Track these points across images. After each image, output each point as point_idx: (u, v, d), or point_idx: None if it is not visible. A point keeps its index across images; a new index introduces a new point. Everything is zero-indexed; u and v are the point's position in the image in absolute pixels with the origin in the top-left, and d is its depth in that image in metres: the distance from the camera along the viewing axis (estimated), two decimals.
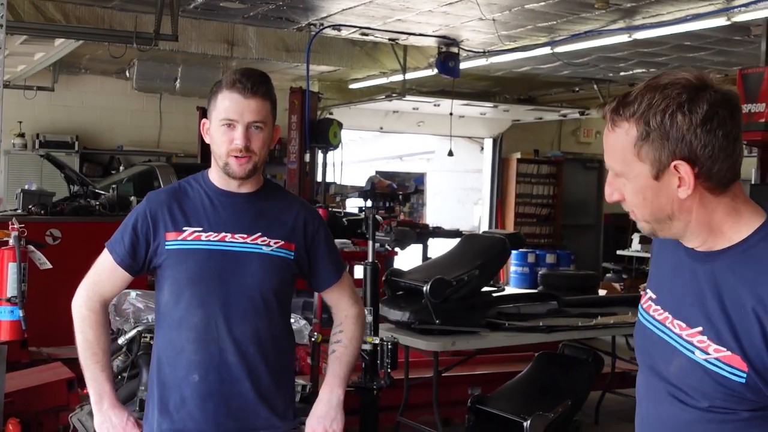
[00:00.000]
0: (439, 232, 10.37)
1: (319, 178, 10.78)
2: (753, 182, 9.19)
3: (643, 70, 12.33)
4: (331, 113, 13.30)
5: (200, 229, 2.64)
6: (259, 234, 2.67)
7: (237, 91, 2.55)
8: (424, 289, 5.70)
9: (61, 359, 5.72)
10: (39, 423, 5.11)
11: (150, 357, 4.28)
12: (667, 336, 1.89)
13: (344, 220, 9.78)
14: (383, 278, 6.10)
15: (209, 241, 2.63)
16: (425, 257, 9.98)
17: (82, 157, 13.33)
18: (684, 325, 1.85)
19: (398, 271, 6.29)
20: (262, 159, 2.64)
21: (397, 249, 10.17)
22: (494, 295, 6.40)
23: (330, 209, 10.26)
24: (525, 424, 5.79)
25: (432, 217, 20.36)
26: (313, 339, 5.13)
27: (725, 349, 1.76)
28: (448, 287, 5.75)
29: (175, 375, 2.63)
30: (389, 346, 5.10)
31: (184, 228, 2.64)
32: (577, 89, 14.43)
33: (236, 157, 2.58)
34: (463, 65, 11.21)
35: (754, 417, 1.79)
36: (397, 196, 5.28)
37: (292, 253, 2.71)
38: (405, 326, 5.85)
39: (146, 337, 4.35)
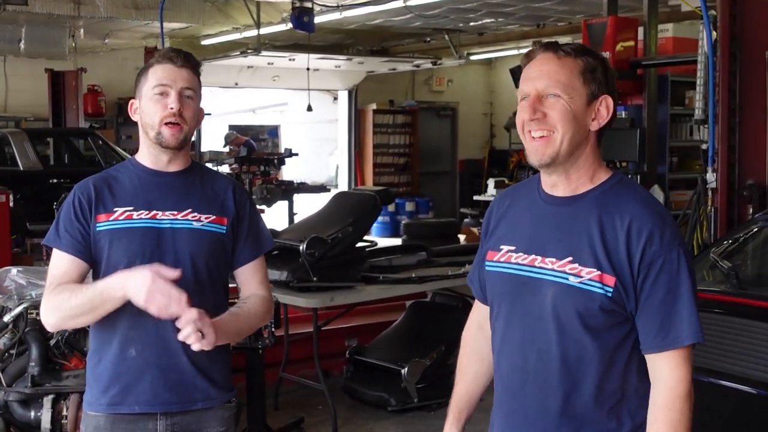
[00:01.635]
0: (304, 188, 10.52)
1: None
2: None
3: (492, 20, 12.67)
4: None
5: (131, 208, 2.67)
6: (190, 210, 2.69)
7: (168, 61, 2.65)
8: (301, 247, 5.84)
9: None
10: None
11: (38, 333, 4.33)
12: (538, 273, 2.18)
13: None
14: None
15: (141, 219, 2.66)
16: (292, 213, 10.12)
17: None
18: (555, 260, 2.16)
19: (273, 231, 6.39)
20: (191, 131, 2.69)
21: (263, 207, 10.27)
22: (368, 249, 6.61)
23: None
24: (403, 371, 6.06)
25: (288, 170, 20.36)
26: None
27: (595, 270, 2.09)
28: (323, 245, 5.91)
29: (112, 351, 2.66)
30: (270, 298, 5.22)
31: (115, 209, 2.66)
32: (428, 39, 14.70)
33: (169, 124, 2.63)
34: (317, 19, 11.22)
35: (621, 339, 2.12)
36: (272, 161, 5.34)
37: (224, 227, 2.73)
38: (284, 285, 5.98)
39: (32, 313, 4.35)
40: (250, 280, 2.83)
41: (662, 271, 2.07)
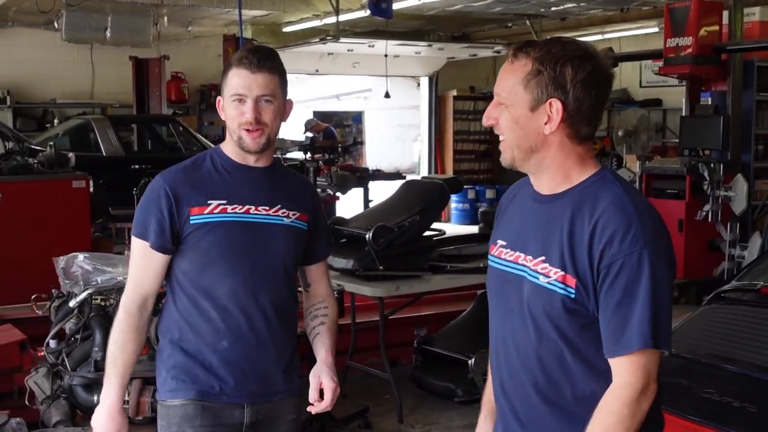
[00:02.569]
0: (379, 175, 10.49)
1: None
2: (683, 113, 9.42)
3: (574, 4, 12.44)
4: None
5: (224, 202, 2.71)
6: (280, 206, 2.76)
7: (244, 67, 2.64)
8: (367, 236, 5.83)
9: (10, 320, 5.75)
10: None
11: (102, 319, 4.39)
12: (519, 270, 2.17)
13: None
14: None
15: (235, 213, 2.70)
16: (366, 200, 10.11)
17: (15, 112, 13.08)
18: (531, 258, 2.15)
19: (341, 219, 6.41)
20: (274, 132, 2.73)
21: (338, 194, 10.30)
22: (435, 238, 6.56)
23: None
24: (470, 361, 6.00)
25: (371, 155, 20.39)
26: None
27: (561, 270, 2.07)
28: (390, 233, 5.89)
29: (201, 342, 2.71)
30: (335, 294, 5.21)
31: (209, 201, 2.70)
32: (509, 25, 14.51)
33: (248, 130, 2.67)
34: (395, 5, 11.20)
35: (590, 340, 2.08)
36: (336, 148, 5.32)
37: (306, 224, 2.82)
38: (350, 273, 5.98)
39: (97, 299, 4.42)
40: (322, 279, 2.96)
41: (620, 273, 2.01)
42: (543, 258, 2.11)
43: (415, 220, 6.03)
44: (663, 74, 9.50)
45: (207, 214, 2.69)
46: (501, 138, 2.16)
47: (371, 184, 10.53)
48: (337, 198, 10.27)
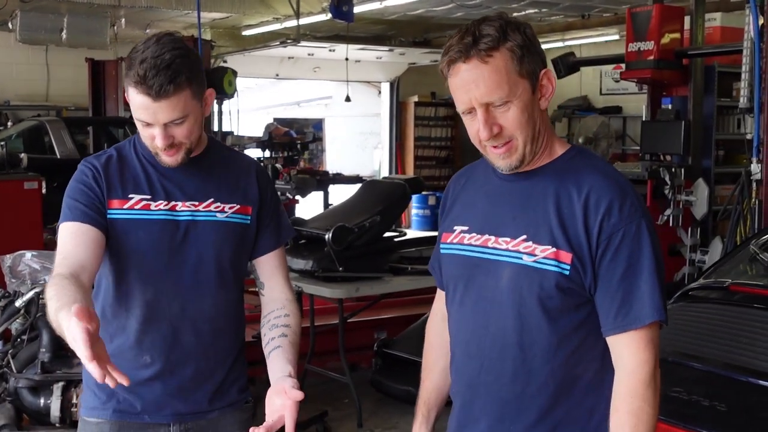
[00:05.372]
0: (340, 179, 10.39)
1: (216, 128, 10.63)
2: (643, 119, 9.42)
3: (536, 10, 12.44)
4: (225, 61, 13.07)
5: (147, 197, 2.39)
6: (212, 200, 2.43)
7: (144, 93, 2.23)
8: (326, 236, 5.72)
9: None
10: None
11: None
12: (492, 254, 2.03)
13: None
14: None
15: (159, 210, 2.38)
16: (326, 204, 10.00)
17: None
18: (508, 239, 2.01)
19: (300, 220, 6.29)
20: (195, 137, 2.37)
21: (298, 197, 10.17)
22: (396, 240, 6.46)
23: None
24: None
25: (332, 163, 20.27)
26: None
27: (550, 247, 1.95)
28: (349, 234, 5.78)
29: (122, 356, 2.35)
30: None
31: (131, 195, 2.38)
32: None
33: (164, 150, 2.33)
34: (357, 9, 11.09)
35: (580, 323, 1.97)
36: (295, 145, 5.22)
37: (249, 218, 2.48)
38: (309, 275, 5.87)
39: (44, 298, 4.26)
40: (275, 275, 2.57)
41: (622, 245, 1.92)
42: (524, 237, 1.98)
43: (375, 221, 5.93)
44: (625, 78, 9.48)
45: (127, 209, 2.37)
46: (504, 143, 1.97)
47: (331, 188, 10.45)
48: (297, 201, 10.16)
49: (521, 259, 1.97)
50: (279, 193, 7.60)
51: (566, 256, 1.93)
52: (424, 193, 15.20)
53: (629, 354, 1.92)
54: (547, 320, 1.96)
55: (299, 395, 2.18)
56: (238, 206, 2.46)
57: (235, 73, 10.22)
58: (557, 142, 2.07)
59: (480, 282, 2.05)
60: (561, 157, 2.04)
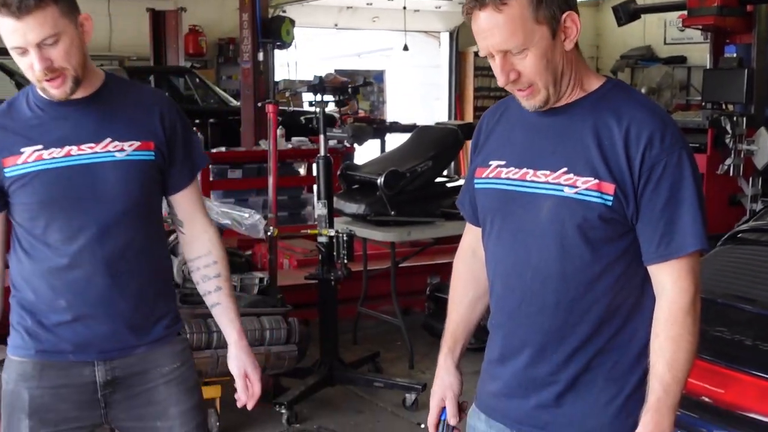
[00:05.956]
0: (396, 127, 10.40)
1: (276, 78, 10.68)
2: (707, 67, 9.24)
3: None
4: (283, 11, 13.10)
5: (40, 147, 2.31)
6: (110, 139, 2.34)
7: (7, 15, 2.15)
8: (379, 181, 5.75)
9: None
10: None
11: None
12: (531, 188, 2.04)
13: (302, 118, 9.75)
14: (338, 172, 6.14)
15: (53, 158, 2.31)
16: (383, 152, 10.01)
17: None
18: (548, 172, 2.01)
19: (353, 164, 6.34)
20: (79, 64, 2.27)
21: (354, 145, 10.19)
22: (449, 185, 6.47)
23: (287, 110, 10.21)
24: None
25: (393, 114, 20.24)
26: (269, 233, 5.18)
27: (592, 178, 1.95)
28: (402, 179, 5.81)
29: (39, 300, 2.40)
30: (345, 238, 5.16)
31: (22, 150, 2.31)
32: None
33: (48, 80, 2.24)
34: None
35: (622, 252, 1.99)
36: (346, 89, 5.21)
37: (152, 153, 2.40)
38: (361, 219, 5.92)
39: None
40: (193, 211, 2.56)
41: (664, 175, 1.93)
42: (565, 169, 1.99)
43: (427, 166, 5.95)
44: (686, 26, 9.30)
45: (21, 164, 2.30)
46: (525, 87, 1.99)
47: (388, 137, 10.45)
48: (353, 150, 10.18)
49: (562, 191, 1.98)
50: (336, 141, 7.63)
51: (609, 187, 1.94)
52: None
53: (671, 282, 1.95)
54: (589, 251, 1.98)
55: (257, 376, 2.56)
56: (139, 143, 2.38)
57: (292, 22, 10.25)
58: (592, 76, 2.06)
59: (519, 215, 2.06)
60: (597, 90, 2.04)
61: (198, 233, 2.57)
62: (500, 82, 2.00)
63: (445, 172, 6.99)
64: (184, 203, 2.55)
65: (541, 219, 2.02)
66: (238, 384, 2.57)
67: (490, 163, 2.14)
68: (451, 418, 2.26)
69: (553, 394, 2.07)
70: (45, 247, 2.36)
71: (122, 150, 2.35)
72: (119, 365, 2.45)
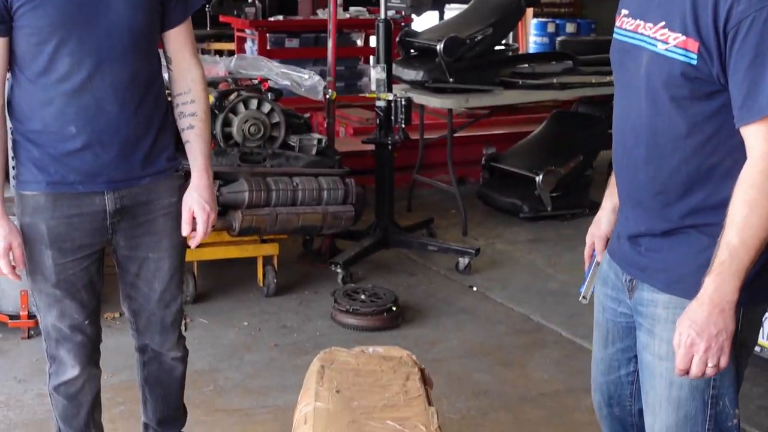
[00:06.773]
0: None
1: None
2: None
3: None
4: None
5: None
6: None
7: None
8: (438, 47, 5.70)
9: None
10: None
11: None
12: (638, 40, 2.03)
13: None
14: (397, 39, 6.09)
15: None
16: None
17: None
18: (651, 25, 1.99)
19: (412, 31, 6.27)
20: None
21: (413, 15, 10.05)
22: (508, 53, 6.40)
23: None
24: (537, 178, 5.94)
25: None
26: (327, 96, 5.20)
27: (681, 35, 1.92)
28: (461, 45, 5.75)
29: (46, 129, 2.47)
30: (403, 102, 5.17)
31: None
32: None
33: None
34: None
35: (713, 112, 1.96)
36: None
37: None
38: (419, 85, 5.90)
39: None
40: (183, 48, 2.63)
41: (750, 32, 1.84)
42: (663, 23, 1.96)
43: (487, 33, 5.87)
44: None
45: None
46: None
47: (447, 8, 10.26)
48: (412, 20, 10.05)
49: (656, 46, 1.97)
50: (393, 12, 7.54)
51: (693, 45, 1.90)
52: (542, 19, 14.85)
53: (755, 145, 1.89)
54: (675, 108, 1.97)
55: (203, 217, 2.62)
56: None
57: None
58: None
59: (627, 67, 2.08)
60: None
61: (182, 71, 2.65)
62: None
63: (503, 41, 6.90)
64: (174, 40, 2.62)
65: (640, 73, 2.02)
66: (183, 217, 2.64)
67: (621, 11, 2.14)
68: (598, 255, 2.40)
69: (648, 243, 2.12)
70: (53, 74, 2.41)
71: None
72: (127, 194, 2.58)
